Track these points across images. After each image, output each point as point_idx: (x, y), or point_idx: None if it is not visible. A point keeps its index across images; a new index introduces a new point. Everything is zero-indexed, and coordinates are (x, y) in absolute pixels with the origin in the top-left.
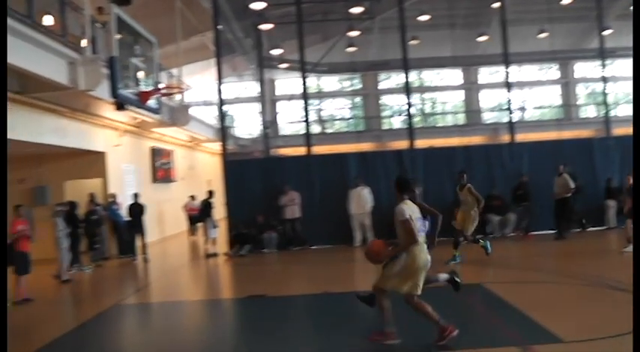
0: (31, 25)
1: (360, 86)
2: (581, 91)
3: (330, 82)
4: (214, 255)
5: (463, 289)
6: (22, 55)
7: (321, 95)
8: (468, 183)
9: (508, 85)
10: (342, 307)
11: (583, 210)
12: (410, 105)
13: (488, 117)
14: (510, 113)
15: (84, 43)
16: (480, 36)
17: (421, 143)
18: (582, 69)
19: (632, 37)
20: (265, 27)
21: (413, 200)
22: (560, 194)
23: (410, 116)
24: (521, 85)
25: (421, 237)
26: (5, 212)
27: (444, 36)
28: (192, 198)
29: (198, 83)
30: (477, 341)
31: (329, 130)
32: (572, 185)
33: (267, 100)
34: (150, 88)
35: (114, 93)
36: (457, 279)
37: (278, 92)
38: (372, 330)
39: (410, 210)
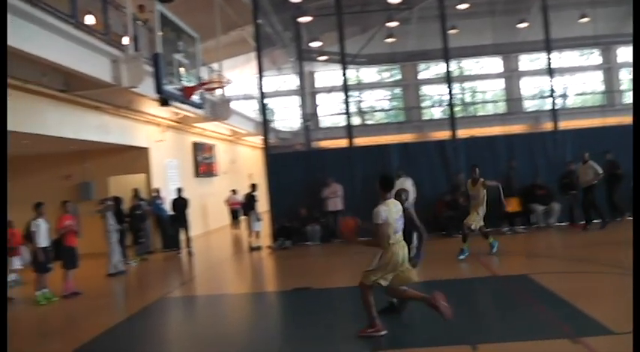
0: (75, 25)
1: (399, 77)
2: (625, 77)
3: (370, 74)
4: (258, 248)
5: (509, 280)
6: (66, 54)
7: (360, 87)
8: (480, 177)
9: (550, 72)
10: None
11: (625, 198)
12: (451, 94)
13: (529, 105)
14: (553, 100)
15: (125, 40)
16: (520, 23)
17: (462, 133)
18: (625, 53)
19: None
20: (304, 20)
21: (401, 203)
22: (587, 182)
23: (452, 106)
24: (562, 71)
25: (398, 236)
26: (5, 211)
27: (483, 24)
28: (234, 192)
29: (238, 77)
30: (527, 334)
31: (369, 122)
32: (600, 170)
33: (307, 93)
34: (193, 83)
35: (159, 89)
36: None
37: (317, 84)
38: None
39: (388, 211)
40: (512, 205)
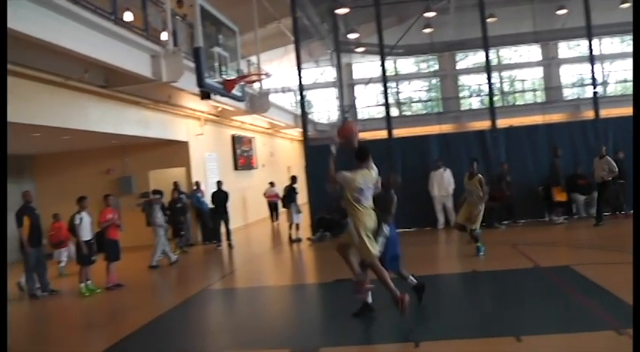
0: (115, 21)
1: (436, 67)
2: None
3: (407, 65)
4: (298, 240)
5: (552, 271)
6: (107, 50)
7: (398, 78)
8: (478, 173)
9: (591, 59)
10: (428, 289)
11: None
12: (490, 84)
13: (568, 93)
14: (594, 88)
15: (164, 36)
16: (560, 9)
17: (500, 122)
18: None
19: None
20: (341, 11)
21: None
22: (601, 178)
23: (491, 95)
24: (602, 58)
25: (365, 204)
26: (5, 211)
27: (521, 11)
28: (272, 184)
29: (276, 70)
30: (572, 326)
31: (407, 113)
32: (615, 168)
33: (345, 85)
34: (233, 77)
35: (200, 83)
36: (421, 291)
37: (355, 76)
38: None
39: (352, 177)
40: (559, 195)
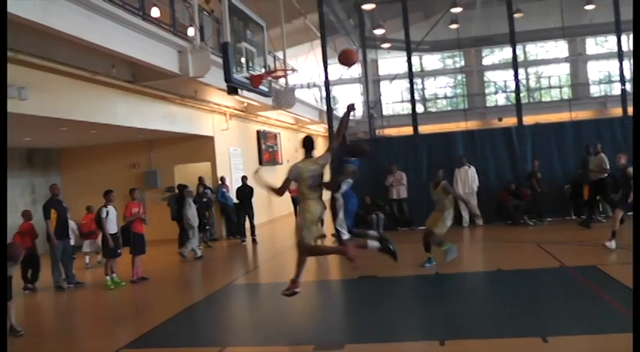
0: (143, 17)
1: (462, 63)
2: None
3: (432, 61)
4: (322, 236)
5: (578, 271)
6: (134, 46)
7: (424, 74)
8: (443, 179)
9: (620, 56)
10: (453, 287)
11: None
12: (517, 80)
13: (594, 90)
14: (622, 85)
15: (191, 31)
16: (588, 4)
17: (526, 119)
18: None
19: None
20: (368, 7)
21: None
22: (596, 175)
23: (517, 92)
24: (630, 54)
25: (312, 192)
26: (5, 211)
27: (548, 6)
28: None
29: (301, 65)
30: (599, 327)
31: (432, 109)
32: (608, 166)
33: (370, 81)
34: (260, 72)
35: (228, 78)
36: (391, 247)
37: (380, 72)
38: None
39: (301, 167)
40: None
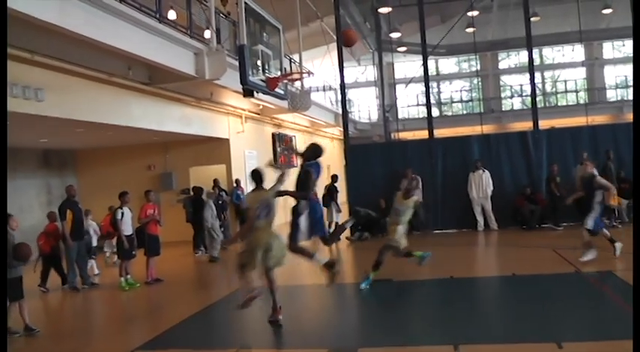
0: (159, 19)
1: (478, 67)
2: None
3: (448, 64)
4: (337, 239)
5: (593, 276)
6: (151, 48)
7: (439, 77)
8: (408, 190)
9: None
10: (468, 291)
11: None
12: (533, 84)
13: (611, 94)
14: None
15: (208, 33)
16: (605, 8)
17: (542, 123)
18: None
19: None
20: (384, 10)
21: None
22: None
23: (533, 96)
24: None
25: (261, 222)
26: (5, 211)
27: (565, 10)
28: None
29: (317, 68)
30: (614, 333)
31: (448, 113)
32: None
33: (386, 84)
34: (276, 75)
35: (244, 80)
36: (333, 269)
37: (396, 76)
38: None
39: (252, 199)
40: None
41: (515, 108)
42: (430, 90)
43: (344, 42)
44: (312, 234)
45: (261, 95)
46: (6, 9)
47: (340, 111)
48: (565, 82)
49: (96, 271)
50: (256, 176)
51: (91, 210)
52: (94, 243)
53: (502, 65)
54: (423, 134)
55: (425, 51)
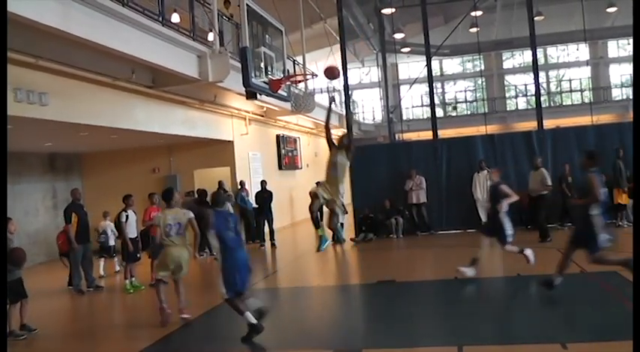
0: (163, 23)
1: (482, 67)
2: None
3: (452, 64)
4: (342, 240)
5: (599, 277)
6: (154, 51)
7: (443, 78)
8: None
9: None
10: (472, 292)
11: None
12: (538, 83)
13: (616, 93)
14: None
15: (211, 36)
16: (610, 7)
17: (547, 123)
18: None
19: None
20: (387, 11)
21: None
22: (535, 190)
23: (538, 95)
24: None
25: (170, 240)
26: (5, 211)
27: (569, 9)
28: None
29: (321, 70)
30: (619, 333)
31: (452, 113)
32: (549, 182)
33: (390, 85)
34: (280, 77)
35: (246, 82)
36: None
37: (401, 76)
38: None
39: (162, 217)
40: (620, 197)
41: (519, 108)
42: (434, 90)
43: (328, 75)
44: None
45: (264, 97)
46: (6, 10)
47: (344, 112)
48: (570, 81)
49: (102, 273)
50: (167, 194)
51: (109, 212)
52: (112, 243)
53: (506, 65)
54: (428, 135)
55: (428, 51)
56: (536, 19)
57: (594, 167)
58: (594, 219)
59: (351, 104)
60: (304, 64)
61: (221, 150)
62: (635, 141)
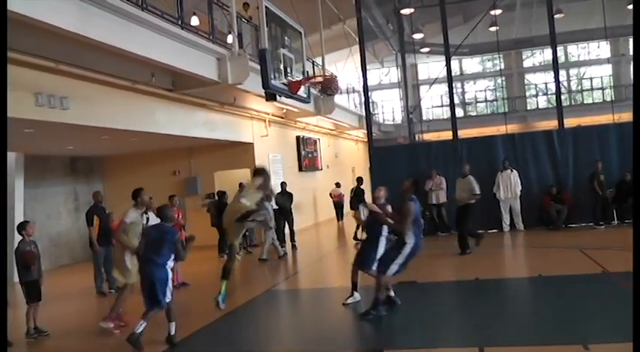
0: (182, 26)
1: (502, 66)
2: None
3: (472, 64)
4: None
5: (621, 277)
6: (174, 55)
7: (463, 77)
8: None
9: None
10: (493, 293)
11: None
12: (558, 82)
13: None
14: None
15: (230, 38)
16: (630, 4)
17: (568, 122)
18: None
19: None
20: (406, 11)
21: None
22: (463, 200)
23: (558, 94)
24: None
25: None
26: (5, 212)
27: (589, 6)
28: (338, 185)
29: (340, 71)
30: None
31: (472, 113)
32: (478, 190)
33: (410, 85)
34: (299, 78)
35: (266, 84)
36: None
37: (420, 77)
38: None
39: (129, 217)
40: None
41: (540, 106)
42: (454, 90)
43: (326, 86)
44: None
45: (284, 99)
46: (6, 10)
47: (364, 113)
48: (591, 79)
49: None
50: (135, 195)
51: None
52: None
53: (526, 63)
54: (448, 135)
55: (448, 51)
56: (556, 16)
57: None
58: None
59: (370, 105)
60: (323, 66)
61: (241, 152)
62: (635, 141)
